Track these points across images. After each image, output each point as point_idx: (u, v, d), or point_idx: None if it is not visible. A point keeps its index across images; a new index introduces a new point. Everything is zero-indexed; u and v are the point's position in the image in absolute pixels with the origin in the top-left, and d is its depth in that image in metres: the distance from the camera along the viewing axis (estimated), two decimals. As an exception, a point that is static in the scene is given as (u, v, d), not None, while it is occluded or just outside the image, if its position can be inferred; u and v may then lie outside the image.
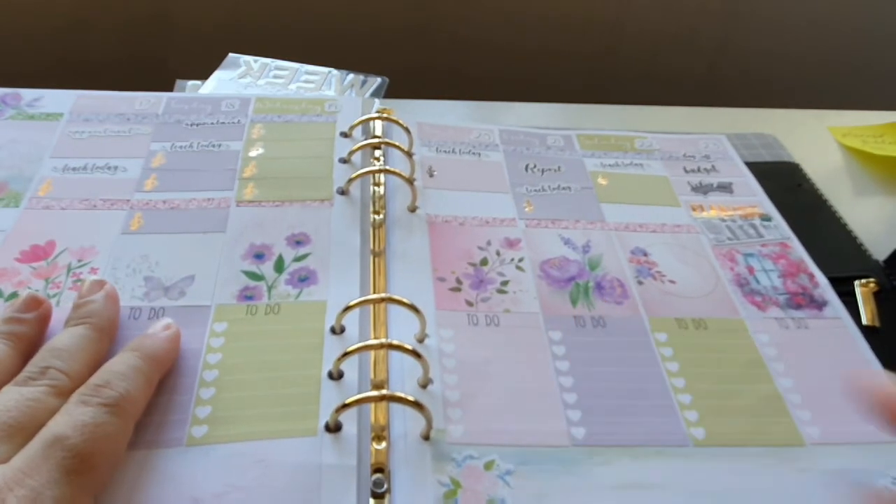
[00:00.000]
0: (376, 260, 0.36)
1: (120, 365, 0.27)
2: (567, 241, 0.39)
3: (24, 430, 0.24)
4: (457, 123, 0.47)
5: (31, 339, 0.29)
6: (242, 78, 0.52)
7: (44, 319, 0.30)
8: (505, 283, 0.36)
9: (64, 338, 0.28)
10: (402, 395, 0.28)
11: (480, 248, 0.37)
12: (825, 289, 0.37)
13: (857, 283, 0.39)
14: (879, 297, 0.38)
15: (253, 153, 0.42)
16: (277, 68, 0.53)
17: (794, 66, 0.77)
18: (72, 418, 0.24)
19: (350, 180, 0.39)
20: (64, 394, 0.26)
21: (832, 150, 0.52)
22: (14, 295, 0.32)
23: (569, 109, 0.54)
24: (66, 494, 0.23)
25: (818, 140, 0.53)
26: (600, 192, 0.43)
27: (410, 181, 0.39)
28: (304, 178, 0.40)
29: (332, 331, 0.32)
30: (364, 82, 0.52)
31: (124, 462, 0.26)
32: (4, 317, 0.29)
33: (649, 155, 0.46)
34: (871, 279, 0.39)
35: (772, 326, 0.35)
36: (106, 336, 0.30)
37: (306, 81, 0.52)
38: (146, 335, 0.29)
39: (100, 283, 0.31)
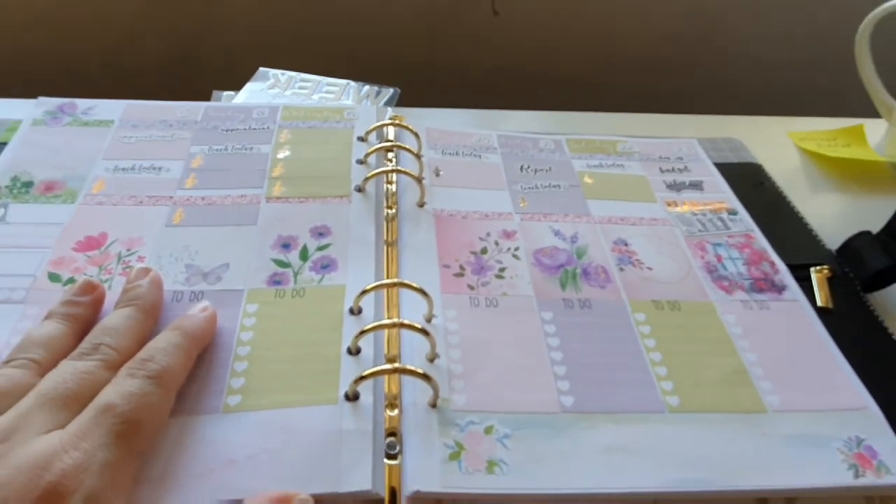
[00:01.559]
0: (389, 249, 0.36)
1: (163, 342, 0.27)
2: (557, 233, 0.38)
3: (79, 399, 0.24)
4: (460, 129, 0.46)
5: (87, 319, 0.29)
6: (271, 89, 0.52)
7: (97, 302, 0.30)
8: (502, 269, 0.35)
9: (114, 318, 0.28)
10: (413, 368, 0.27)
11: (481, 239, 0.37)
12: (784, 275, 0.37)
13: (812, 269, 0.38)
14: (832, 282, 0.38)
15: (280, 155, 0.41)
16: (302, 81, 0.53)
17: (758, 79, 0.76)
18: (121, 389, 0.24)
19: (366, 179, 0.39)
20: (113, 367, 0.26)
21: (791, 153, 0.52)
22: (71, 280, 0.32)
23: (558, 117, 0.53)
24: (115, 456, 0.22)
25: (779, 144, 0.52)
26: (586, 189, 0.42)
27: (419, 180, 0.38)
28: (325, 178, 0.40)
29: (351, 312, 0.31)
30: (378, 93, 0.51)
31: (168, 427, 0.26)
32: (63, 300, 0.29)
33: (629, 157, 0.46)
34: (825, 266, 0.38)
35: (737, 308, 0.34)
36: (151, 316, 0.29)
37: (327, 92, 0.52)
38: (186, 316, 0.29)
39: (146, 270, 0.31)
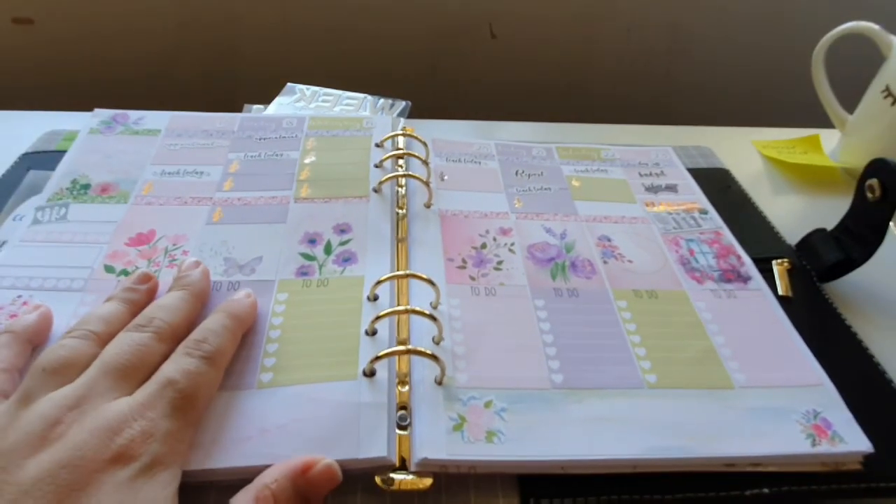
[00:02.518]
0: (400, 245, 0.35)
1: (214, 324, 0.27)
2: (548, 230, 0.38)
3: (137, 369, 0.24)
4: (462, 139, 0.46)
5: (142, 304, 0.29)
6: (298, 102, 0.51)
7: (152, 291, 0.30)
8: (500, 262, 0.35)
9: (167, 298, 0.28)
10: (421, 349, 0.27)
11: (481, 236, 0.37)
12: (749, 267, 0.36)
13: (774, 262, 0.38)
14: (792, 273, 0.37)
15: (307, 160, 0.41)
16: (325, 95, 0.52)
17: (726, 92, 0.75)
18: (180, 366, 0.24)
19: (381, 182, 0.38)
20: (165, 339, 0.26)
21: (755, 159, 0.51)
22: (124, 272, 0.32)
23: (549, 127, 0.52)
24: (175, 425, 0.23)
25: (744, 151, 0.52)
26: (574, 191, 0.41)
27: (427, 183, 0.38)
28: (346, 180, 0.39)
29: (368, 299, 0.31)
30: (392, 105, 0.51)
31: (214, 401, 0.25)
32: (123, 287, 0.29)
33: (612, 163, 0.45)
34: (785, 259, 0.38)
35: (708, 296, 0.34)
36: (199, 300, 0.29)
37: (347, 105, 0.51)
38: (232, 301, 0.29)
39: (197, 262, 0.31)
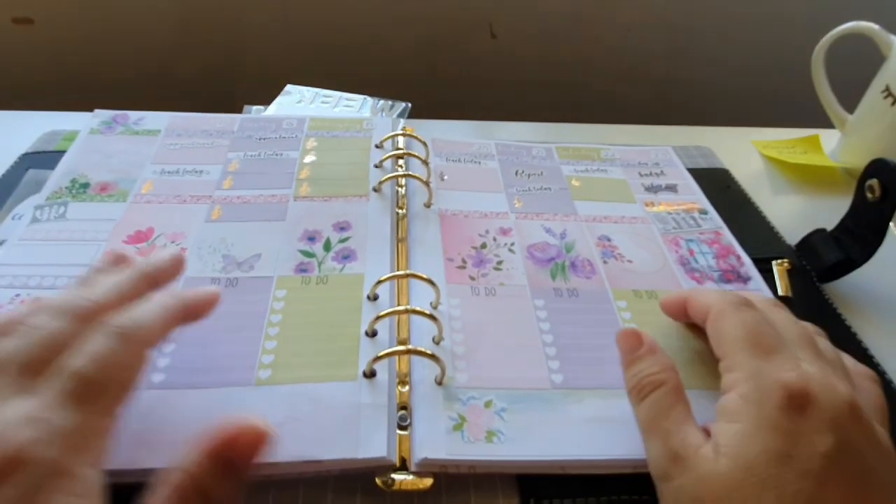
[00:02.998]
0: (400, 245, 0.35)
1: (148, 301, 0.23)
2: (548, 230, 0.38)
3: (44, 362, 0.20)
4: (462, 139, 0.45)
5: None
6: (298, 103, 0.51)
7: None
8: (500, 262, 0.35)
9: (107, 277, 0.24)
10: (422, 349, 0.27)
11: (481, 236, 0.36)
12: (749, 267, 0.36)
13: (774, 262, 0.37)
14: (791, 273, 0.37)
15: (307, 160, 0.41)
16: (325, 96, 0.52)
17: (726, 92, 0.75)
18: (82, 348, 0.20)
19: (381, 182, 0.38)
20: (87, 320, 0.21)
21: (755, 159, 0.51)
22: (123, 270, 0.32)
23: (549, 127, 0.52)
24: (76, 420, 0.19)
25: (744, 151, 0.51)
26: (574, 191, 0.41)
27: (427, 183, 0.38)
28: (346, 180, 0.39)
29: (368, 298, 0.31)
30: (392, 106, 0.51)
31: (205, 398, 0.25)
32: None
33: (612, 163, 0.45)
34: (785, 259, 0.38)
35: (708, 296, 0.34)
36: (147, 281, 0.25)
37: (346, 106, 0.51)
38: (183, 291, 0.26)
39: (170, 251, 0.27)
